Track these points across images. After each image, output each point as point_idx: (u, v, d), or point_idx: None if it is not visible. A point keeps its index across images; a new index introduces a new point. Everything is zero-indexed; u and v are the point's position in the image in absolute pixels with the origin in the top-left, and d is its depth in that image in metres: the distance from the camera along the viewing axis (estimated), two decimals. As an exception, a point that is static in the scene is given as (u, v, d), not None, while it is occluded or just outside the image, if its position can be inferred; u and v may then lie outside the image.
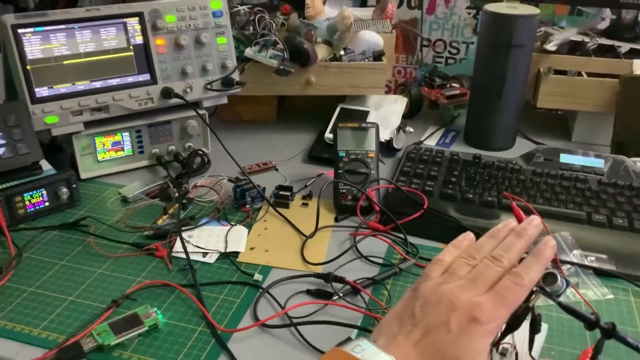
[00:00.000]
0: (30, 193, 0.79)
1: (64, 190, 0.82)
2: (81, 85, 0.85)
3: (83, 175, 0.91)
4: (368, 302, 0.66)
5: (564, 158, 0.93)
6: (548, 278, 0.66)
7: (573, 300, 0.66)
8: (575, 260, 0.72)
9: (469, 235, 0.55)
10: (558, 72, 1.04)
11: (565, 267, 0.70)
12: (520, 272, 0.47)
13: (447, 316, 0.44)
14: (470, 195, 0.84)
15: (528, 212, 0.79)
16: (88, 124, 0.88)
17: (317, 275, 0.69)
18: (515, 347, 0.54)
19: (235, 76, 0.96)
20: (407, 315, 0.46)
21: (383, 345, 0.44)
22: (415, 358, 0.43)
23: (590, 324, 0.47)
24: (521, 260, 0.50)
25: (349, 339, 0.46)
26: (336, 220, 0.82)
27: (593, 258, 0.73)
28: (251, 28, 1.03)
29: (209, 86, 0.94)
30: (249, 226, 0.80)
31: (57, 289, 0.68)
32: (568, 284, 0.52)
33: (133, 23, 0.87)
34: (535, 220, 0.53)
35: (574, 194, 0.84)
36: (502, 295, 0.46)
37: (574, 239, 0.75)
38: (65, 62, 0.84)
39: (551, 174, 0.89)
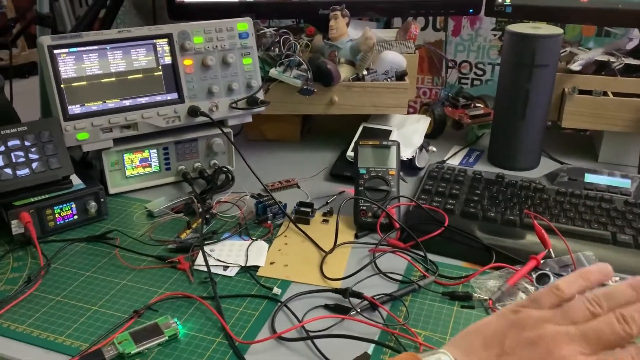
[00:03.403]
0: (60, 206, 0.82)
1: (93, 204, 0.84)
2: (112, 104, 0.89)
3: (111, 191, 0.93)
4: (386, 318, 0.66)
5: (589, 178, 0.92)
6: (542, 279, 0.66)
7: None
8: (598, 281, 0.70)
9: (605, 269, 0.46)
10: (583, 92, 1.03)
11: (588, 287, 0.69)
12: None
13: None
14: (492, 214, 0.83)
15: (550, 231, 0.78)
16: (117, 141, 0.91)
17: (335, 291, 0.69)
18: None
19: (260, 95, 0.99)
20: (496, 340, 0.42)
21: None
22: None
23: None
24: None
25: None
26: (356, 237, 0.83)
27: (617, 279, 0.71)
28: (276, 49, 1.05)
29: (234, 105, 0.96)
30: (270, 241, 0.81)
31: (82, 299, 0.70)
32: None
33: (162, 44, 0.91)
34: None
35: (599, 213, 0.83)
36: None
37: (598, 260, 0.73)
38: (97, 81, 0.87)
39: (575, 193, 0.88)
